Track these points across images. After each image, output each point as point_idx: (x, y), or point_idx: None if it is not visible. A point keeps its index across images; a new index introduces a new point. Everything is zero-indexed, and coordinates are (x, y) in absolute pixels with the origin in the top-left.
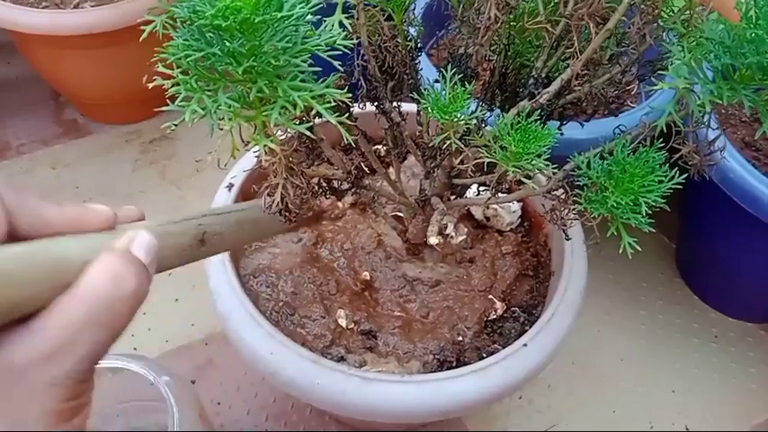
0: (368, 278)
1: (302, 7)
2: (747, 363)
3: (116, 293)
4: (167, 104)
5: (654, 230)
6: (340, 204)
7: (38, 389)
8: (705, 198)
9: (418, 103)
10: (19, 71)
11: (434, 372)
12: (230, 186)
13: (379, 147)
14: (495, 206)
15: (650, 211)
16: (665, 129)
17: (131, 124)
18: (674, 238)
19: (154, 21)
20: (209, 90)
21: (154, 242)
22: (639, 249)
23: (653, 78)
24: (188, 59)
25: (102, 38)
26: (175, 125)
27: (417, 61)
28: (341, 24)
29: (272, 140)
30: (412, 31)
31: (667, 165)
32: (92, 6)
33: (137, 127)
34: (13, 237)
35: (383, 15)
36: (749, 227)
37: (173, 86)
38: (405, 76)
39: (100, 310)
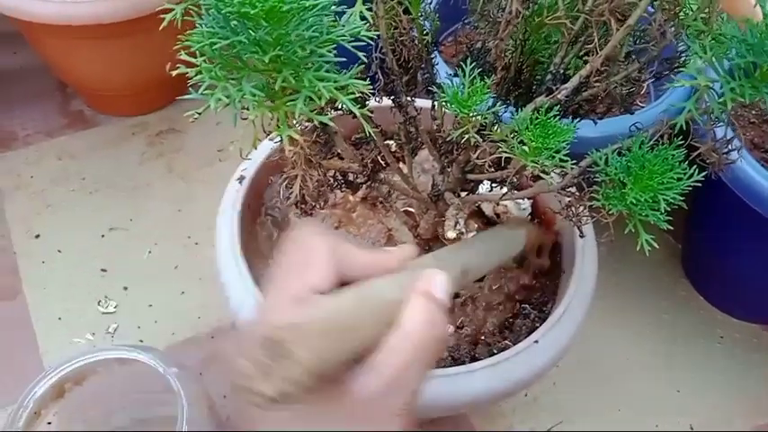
0: None
1: None
2: (752, 364)
3: (433, 336)
4: (179, 95)
5: (666, 228)
6: (351, 198)
7: (385, 417)
8: (713, 198)
9: (433, 97)
10: (26, 61)
11: (446, 367)
12: (241, 179)
13: (390, 142)
14: (505, 203)
15: (668, 209)
16: (684, 126)
17: (138, 116)
18: (679, 239)
19: (173, 9)
20: (233, 79)
21: (448, 283)
22: (657, 246)
23: (671, 75)
24: (213, 47)
25: (112, 28)
26: (199, 113)
27: (433, 55)
28: (361, 16)
29: (294, 131)
30: (427, 24)
31: (686, 162)
32: None
33: (144, 119)
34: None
35: (401, 8)
36: (757, 227)
37: (196, 75)
38: (420, 71)
39: (421, 350)
